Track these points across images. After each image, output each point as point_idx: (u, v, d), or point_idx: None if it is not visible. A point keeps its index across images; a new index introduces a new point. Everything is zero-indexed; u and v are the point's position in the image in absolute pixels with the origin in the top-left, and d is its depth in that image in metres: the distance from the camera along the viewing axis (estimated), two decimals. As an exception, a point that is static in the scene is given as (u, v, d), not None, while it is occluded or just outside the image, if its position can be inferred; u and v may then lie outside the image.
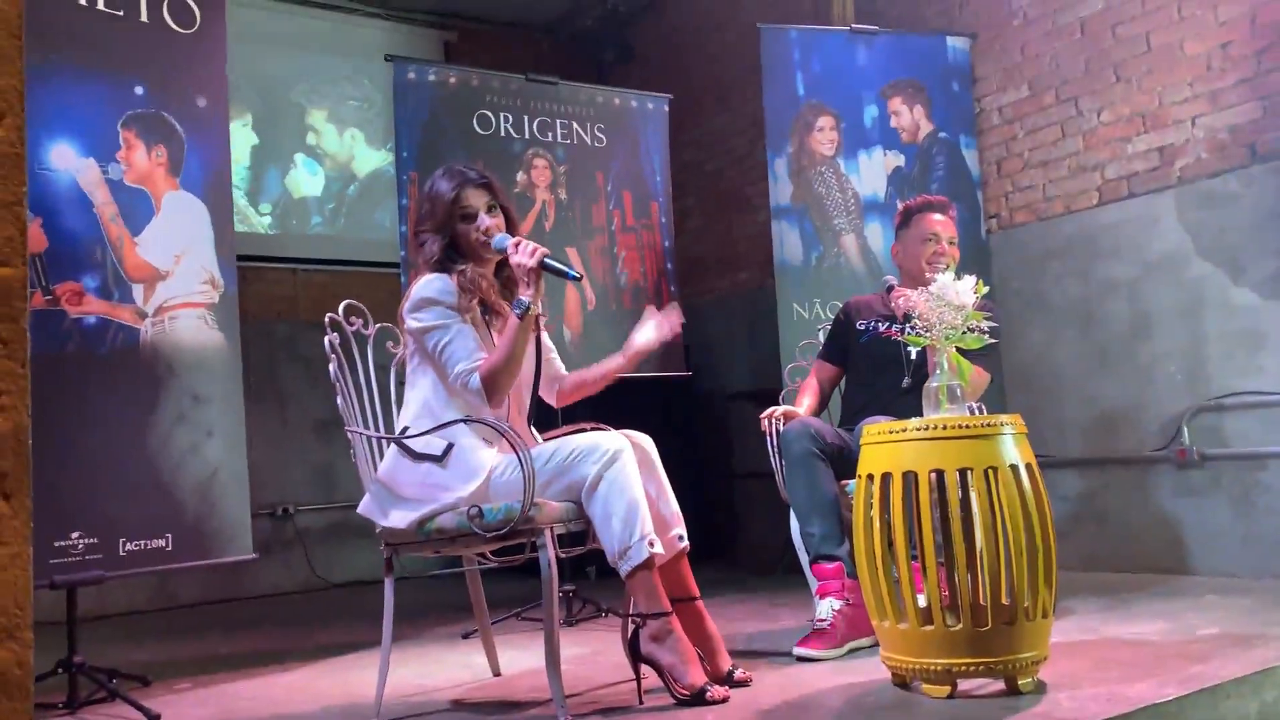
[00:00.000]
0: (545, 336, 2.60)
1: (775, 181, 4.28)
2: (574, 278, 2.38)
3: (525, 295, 2.34)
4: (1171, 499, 3.86)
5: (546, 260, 2.37)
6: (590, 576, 4.76)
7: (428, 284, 2.39)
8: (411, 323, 2.39)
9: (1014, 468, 2.14)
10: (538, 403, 2.53)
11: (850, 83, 4.38)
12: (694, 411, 5.63)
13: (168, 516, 2.87)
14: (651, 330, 2.57)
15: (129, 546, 2.79)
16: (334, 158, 5.87)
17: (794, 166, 4.30)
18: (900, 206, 3.35)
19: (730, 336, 5.71)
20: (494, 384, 2.32)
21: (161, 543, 2.84)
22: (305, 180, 5.78)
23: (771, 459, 3.02)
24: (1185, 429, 3.81)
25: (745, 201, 5.68)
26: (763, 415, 3.05)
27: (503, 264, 2.51)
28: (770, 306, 4.41)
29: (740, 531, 5.53)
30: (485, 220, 2.46)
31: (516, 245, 2.39)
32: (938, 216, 3.23)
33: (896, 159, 4.39)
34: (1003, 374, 4.19)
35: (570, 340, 3.92)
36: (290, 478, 5.52)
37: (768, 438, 3.03)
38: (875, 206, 4.36)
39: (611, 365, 2.58)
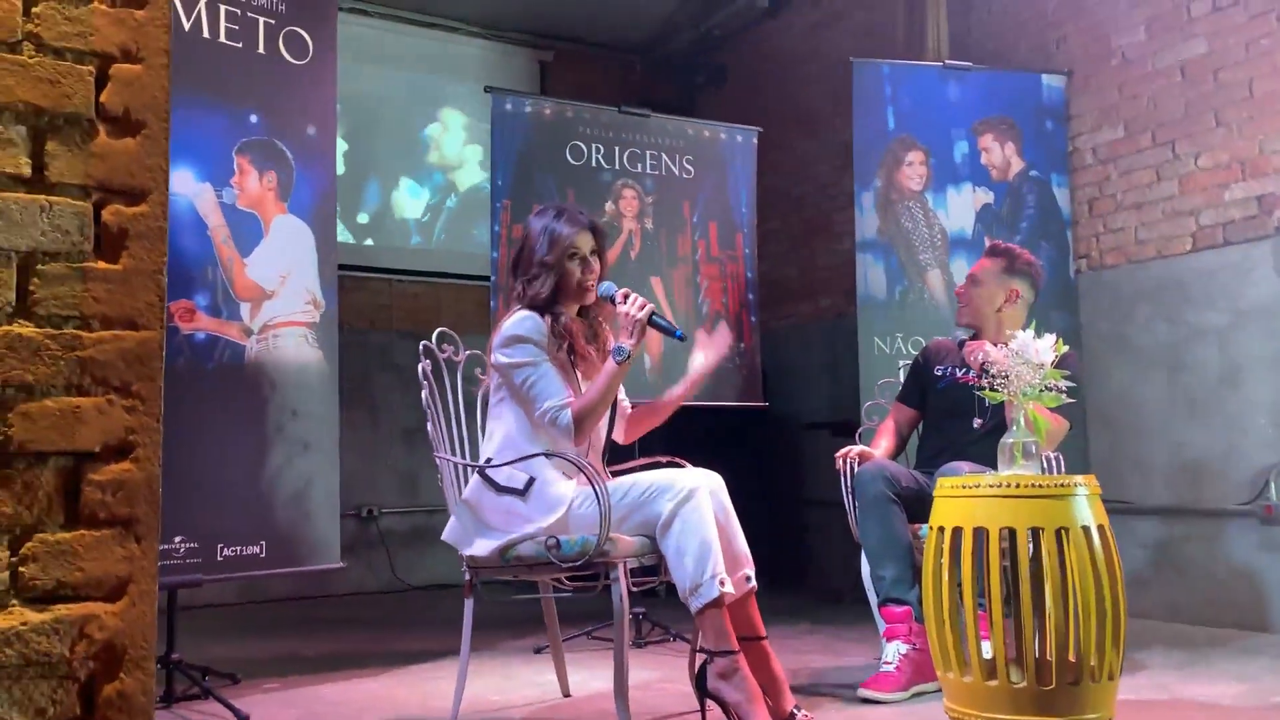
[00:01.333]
0: (621, 389, 2.68)
1: (861, 214, 4.30)
2: (679, 337, 2.46)
3: (627, 344, 2.42)
4: (1256, 553, 3.78)
5: (655, 317, 2.45)
6: (660, 595, 4.82)
7: (520, 322, 2.47)
8: (500, 358, 2.47)
9: (1086, 529, 2.16)
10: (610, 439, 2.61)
11: (941, 118, 4.39)
12: (769, 438, 5.67)
13: (262, 524, 3.01)
14: (700, 357, 2.60)
15: (226, 552, 2.95)
16: (436, 171, 6.04)
17: (881, 200, 4.32)
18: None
19: (808, 364, 5.73)
20: (583, 422, 2.40)
21: (256, 549, 2.99)
22: (405, 200, 5.96)
23: (845, 499, 3.05)
24: (1273, 484, 3.73)
25: (829, 229, 5.70)
26: (838, 454, 3.08)
27: (586, 308, 2.59)
28: (850, 336, 4.43)
29: (810, 559, 5.55)
30: (595, 265, 2.54)
31: (625, 296, 2.47)
32: (983, 262, 3.28)
33: (986, 196, 4.38)
34: (1085, 414, 4.15)
35: (650, 367, 3.99)
36: (376, 481, 5.69)
37: (842, 478, 3.06)
38: (962, 243, 4.35)
39: (672, 396, 2.63)
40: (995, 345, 2.46)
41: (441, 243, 6.06)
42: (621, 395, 2.71)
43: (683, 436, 3.36)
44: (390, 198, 5.92)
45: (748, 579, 2.47)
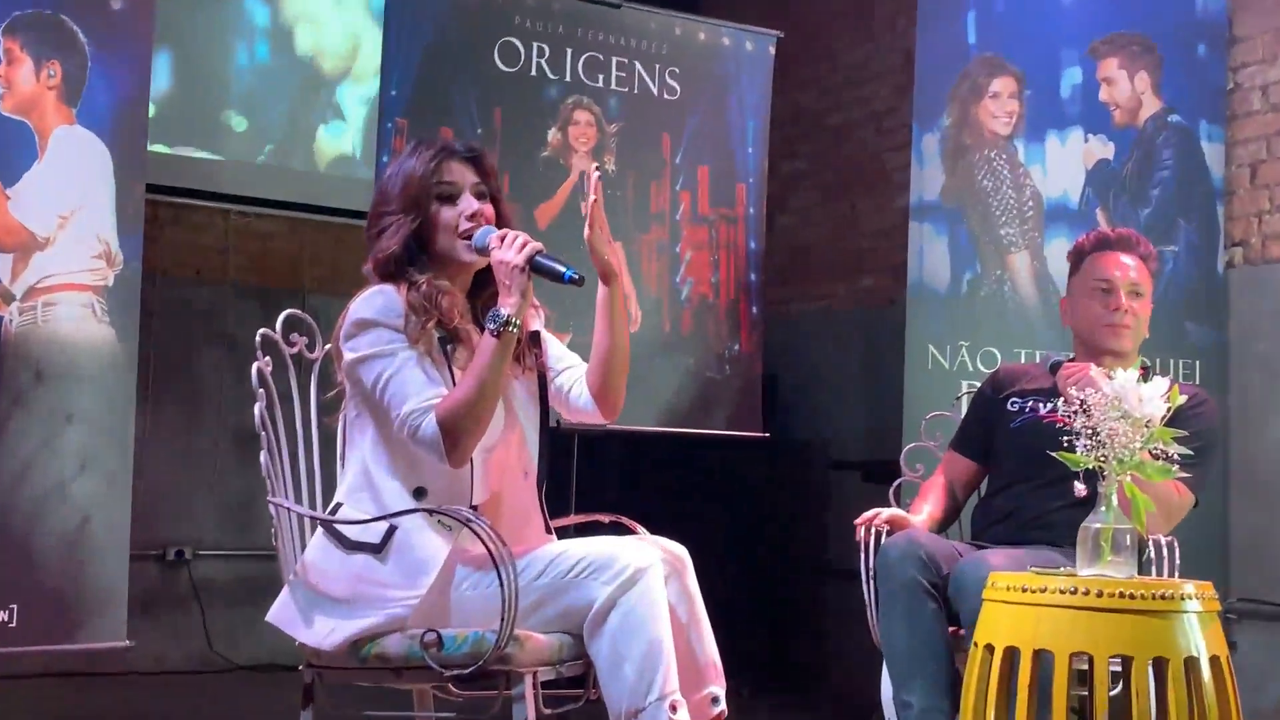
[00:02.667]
0: (555, 343, 2.71)
1: (921, 165, 4.34)
2: (572, 279, 2.49)
3: (507, 304, 2.45)
4: None
5: (539, 258, 2.47)
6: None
7: (366, 301, 2.51)
8: (346, 354, 2.52)
9: (1193, 661, 2.22)
10: (551, 459, 2.63)
11: (1045, 31, 4.43)
12: (777, 479, 5.71)
13: (15, 581, 3.05)
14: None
15: (-44, 619, 2.99)
16: (304, 61, 6.01)
17: (950, 146, 4.35)
18: (1073, 246, 3.40)
19: (841, 371, 5.77)
20: (456, 429, 2.41)
21: (3, 616, 3.03)
22: (255, 104, 5.93)
23: (863, 586, 3.09)
24: None
25: (883, 176, 5.71)
26: (860, 521, 3.12)
27: (481, 280, 2.62)
28: (900, 329, 4.45)
29: (832, 655, 5.58)
30: (473, 204, 2.57)
31: (501, 239, 2.50)
32: (1120, 257, 3.26)
33: (1103, 148, 4.42)
34: (1225, 478, 4.21)
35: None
36: (192, 509, 5.67)
37: (861, 555, 3.11)
38: (1064, 215, 4.40)
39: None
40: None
41: (311, 162, 6.04)
42: (564, 362, 2.71)
43: (651, 478, 3.40)
44: (229, 98, 5.90)
45: (714, 700, 2.48)
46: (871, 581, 3.07)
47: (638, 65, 4.13)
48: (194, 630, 5.62)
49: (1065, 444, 2.50)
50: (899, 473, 3.59)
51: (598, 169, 2.61)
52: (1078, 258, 3.32)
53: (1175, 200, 4.41)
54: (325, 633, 2.46)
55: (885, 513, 3.14)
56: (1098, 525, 2.39)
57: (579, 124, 4.06)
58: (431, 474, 2.49)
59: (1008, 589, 2.34)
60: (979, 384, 3.54)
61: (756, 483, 5.59)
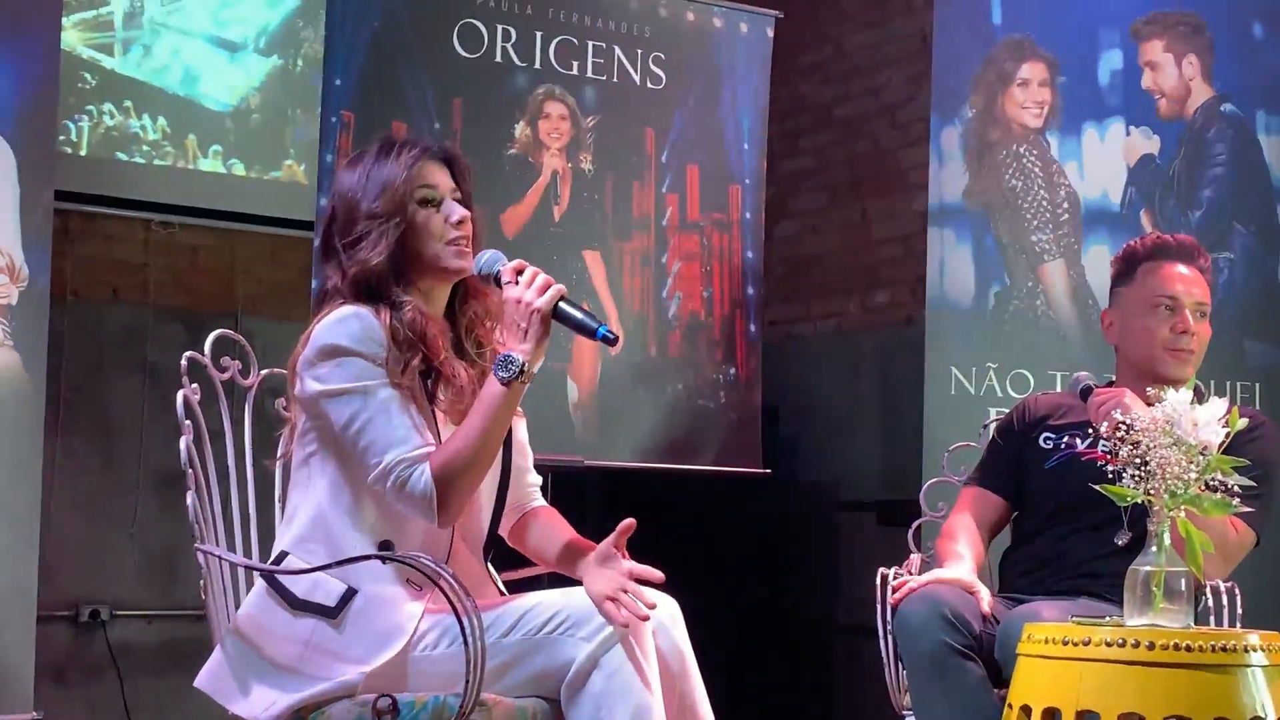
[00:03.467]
0: (520, 428, 2.69)
1: (940, 163, 4.34)
2: (607, 338, 2.46)
3: (520, 350, 2.43)
4: None
5: (562, 305, 2.45)
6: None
7: (340, 323, 2.48)
8: (311, 384, 2.48)
9: (1259, 722, 2.22)
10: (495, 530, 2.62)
11: (1081, 10, 4.45)
12: (780, 523, 5.69)
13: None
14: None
15: None
16: (241, 45, 6.00)
17: (973, 141, 4.36)
18: (1123, 250, 3.39)
19: (851, 401, 5.77)
20: (452, 485, 2.41)
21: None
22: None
23: (883, 653, 3.08)
24: None
25: (898, 176, 5.74)
26: (897, 590, 3.02)
27: (457, 297, 2.63)
28: (922, 352, 4.43)
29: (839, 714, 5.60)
30: (458, 210, 2.56)
31: (517, 273, 2.48)
32: (1181, 269, 3.25)
33: (1147, 142, 4.43)
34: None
35: (575, 400, 4.02)
36: (108, 561, 5.62)
37: (880, 617, 3.08)
38: (1105, 218, 4.41)
39: (602, 566, 2.49)
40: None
41: (243, 163, 6.03)
42: (525, 449, 2.72)
43: (650, 518, 3.34)
44: (156, 81, 5.89)
45: None
46: (891, 650, 3.06)
47: (617, 50, 4.12)
48: (111, 701, 5.55)
49: (1110, 481, 2.49)
50: (918, 513, 3.59)
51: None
52: (1129, 264, 3.30)
53: (1230, 201, 4.42)
54: (264, 705, 2.44)
55: (923, 578, 3.03)
56: (1148, 568, 2.39)
57: (550, 117, 4.05)
58: (404, 527, 2.47)
59: (1046, 641, 2.33)
60: (995, 427, 3.52)
61: (755, 527, 5.58)
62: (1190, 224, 4.31)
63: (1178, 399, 2.42)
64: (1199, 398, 2.46)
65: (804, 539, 5.76)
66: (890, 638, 3.06)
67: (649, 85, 4.16)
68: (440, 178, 2.58)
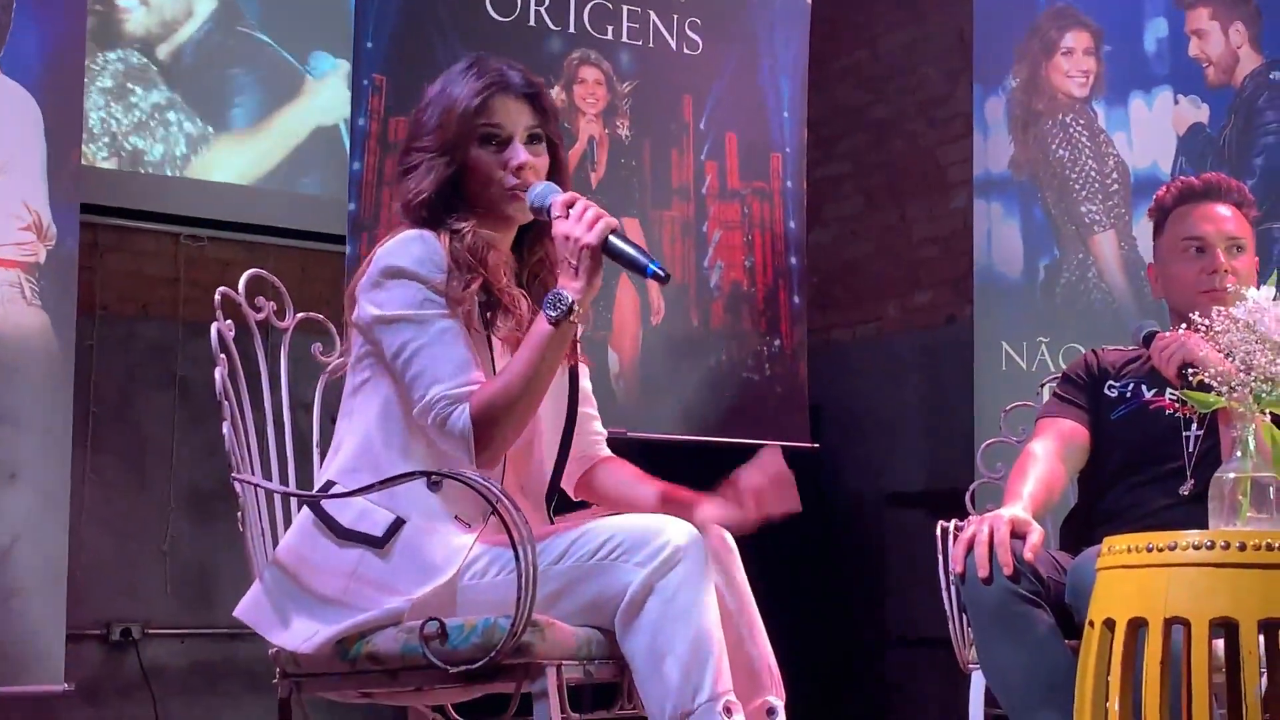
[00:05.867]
0: (584, 375, 2.66)
1: (985, 135, 4.34)
2: (658, 275, 2.42)
3: (571, 288, 2.39)
4: None
5: (613, 239, 2.41)
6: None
7: (402, 245, 2.45)
8: (368, 307, 2.45)
9: (1362, 625, 2.13)
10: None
11: (1126, -23, 4.46)
12: (825, 522, 5.65)
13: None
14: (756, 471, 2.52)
15: None
16: (277, 54, 6.00)
17: (1018, 111, 4.36)
18: (1153, 201, 3.34)
19: (896, 401, 5.76)
20: (492, 427, 2.37)
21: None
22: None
23: (948, 611, 3.06)
24: None
25: (937, 175, 5.76)
26: (960, 537, 2.92)
27: (527, 238, 2.58)
28: (965, 353, 4.44)
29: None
30: (521, 154, 2.51)
31: (567, 206, 2.44)
32: (1212, 208, 3.20)
33: (1196, 110, 4.42)
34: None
35: (617, 371, 4.00)
36: (140, 578, 5.59)
37: (944, 571, 3.01)
38: (1155, 188, 4.31)
39: (698, 503, 2.52)
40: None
41: (268, 179, 6.02)
42: (591, 401, 2.69)
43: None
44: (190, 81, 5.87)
45: (771, 712, 2.44)
46: (955, 604, 3.04)
47: (653, 15, 4.11)
48: (144, 721, 5.55)
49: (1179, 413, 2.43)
50: (965, 501, 3.50)
51: None
52: (1160, 215, 3.28)
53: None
54: (305, 635, 2.39)
55: (991, 524, 2.86)
56: (1233, 474, 2.30)
57: (586, 82, 4.03)
58: (454, 463, 2.41)
59: (1129, 550, 2.24)
60: (1069, 368, 3.45)
61: (799, 526, 5.46)
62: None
63: (1259, 295, 2.34)
64: (1281, 291, 2.39)
65: (851, 532, 5.74)
66: (953, 589, 3.02)
67: (685, 51, 4.15)
68: (515, 115, 2.52)
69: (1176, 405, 3.06)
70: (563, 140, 2.61)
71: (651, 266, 2.40)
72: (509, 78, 2.53)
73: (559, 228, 2.42)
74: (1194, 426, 3.06)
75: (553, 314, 2.37)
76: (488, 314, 2.48)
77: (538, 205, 2.47)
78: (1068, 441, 3.22)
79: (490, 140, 2.50)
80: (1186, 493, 3.06)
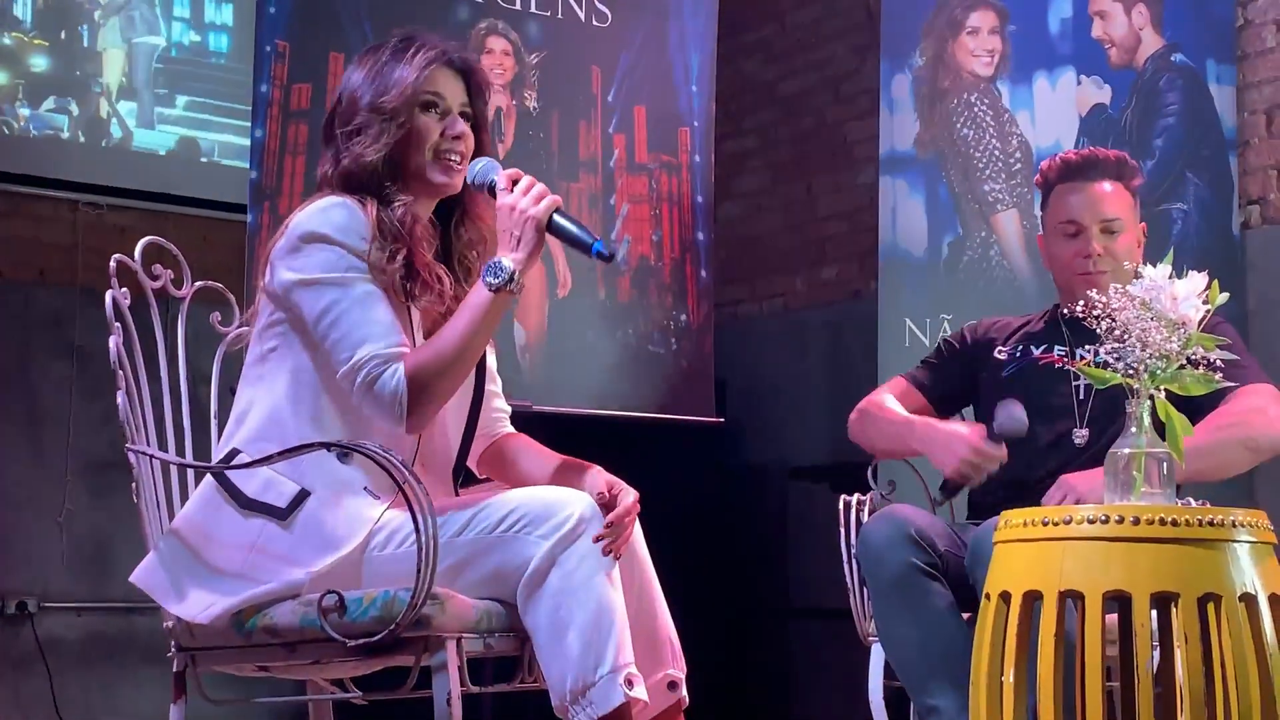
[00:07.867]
0: (490, 353, 2.65)
1: (891, 112, 4.34)
2: (602, 254, 2.44)
3: (511, 258, 2.39)
4: None
5: (557, 217, 2.42)
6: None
7: (323, 212, 2.44)
8: (285, 273, 2.44)
9: (1248, 598, 2.15)
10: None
11: (1030, -42, 4.46)
12: (729, 495, 5.67)
13: None
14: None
15: None
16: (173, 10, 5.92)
17: (924, 89, 4.37)
18: (1038, 175, 3.35)
19: (799, 376, 5.76)
20: (426, 389, 2.37)
21: None
22: (113, 59, 5.84)
23: (849, 584, 3.07)
24: None
25: (843, 150, 5.76)
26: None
27: (453, 222, 2.60)
28: (870, 326, 4.46)
29: (797, 712, 5.54)
30: (459, 125, 2.53)
31: (513, 181, 2.45)
32: (1088, 187, 3.19)
33: (1099, 91, 4.44)
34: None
35: (523, 344, 3.99)
36: (36, 550, 5.54)
37: (843, 537, 3.06)
38: (1058, 167, 4.41)
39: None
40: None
41: (181, 136, 5.95)
42: (495, 377, 2.70)
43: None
44: (86, 47, 5.77)
45: (672, 685, 2.46)
46: (855, 573, 3.05)
47: (563, -16, 4.11)
48: (39, 696, 5.46)
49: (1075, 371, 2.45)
50: (869, 476, 3.47)
51: None
52: (1046, 190, 3.30)
53: (1182, 152, 4.42)
54: (202, 607, 2.38)
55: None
56: (1128, 450, 2.31)
57: (493, 52, 4.01)
58: (368, 436, 2.41)
59: (1024, 524, 2.26)
60: (944, 341, 3.50)
61: (703, 501, 5.54)
62: (1143, 175, 4.31)
63: (1155, 273, 2.35)
64: (1177, 272, 2.40)
65: (754, 506, 5.75)
66: (854, 562, 3.04)
67: (594, 23, 4.15)
68: (451, 89, 2.55)
69: (1065, 359, 3.13)
70: (487, 122, 2.62)
71: (596, 245, 2.42)
72: (448, 53, 2.56)
73: (504, 200, 2.43)
74: (1082, 377, 3.08)
75: (493, 281, 2.38)
76: (408, 285, 2.47)
77: (480, 181, 2.50)
78: (903, 394, 3.34)
79: (432, 107, 2.51)
80: (1081, 442, 3.10)
